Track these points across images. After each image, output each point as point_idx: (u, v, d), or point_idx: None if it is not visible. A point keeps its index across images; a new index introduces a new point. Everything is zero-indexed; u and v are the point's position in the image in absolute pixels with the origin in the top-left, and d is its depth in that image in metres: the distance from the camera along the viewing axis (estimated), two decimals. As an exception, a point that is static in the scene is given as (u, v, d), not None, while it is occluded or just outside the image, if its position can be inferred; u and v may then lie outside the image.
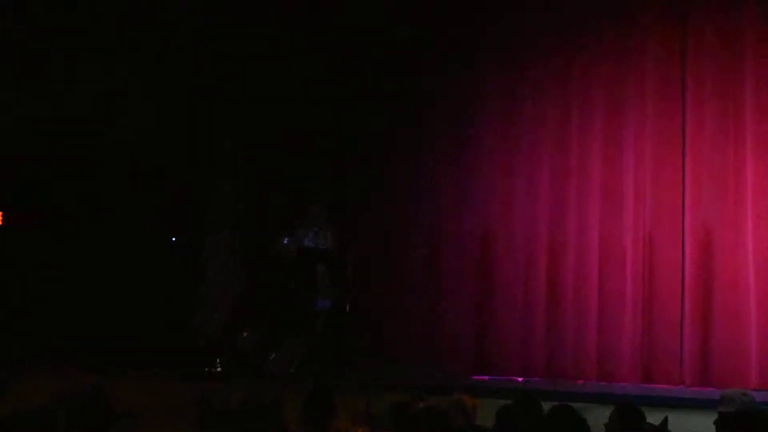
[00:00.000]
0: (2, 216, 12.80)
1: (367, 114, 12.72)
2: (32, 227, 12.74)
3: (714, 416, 6.61)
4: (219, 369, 11.95)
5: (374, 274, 12.64)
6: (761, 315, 11.43)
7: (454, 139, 12.57)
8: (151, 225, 12.51)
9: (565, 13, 12.21)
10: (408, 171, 12.69)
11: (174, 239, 12.69)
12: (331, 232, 12.44)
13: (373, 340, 12.44)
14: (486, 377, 12.01)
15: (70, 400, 5.32)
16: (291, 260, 12.36)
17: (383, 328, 12.49)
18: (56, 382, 8.81)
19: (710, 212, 11.72)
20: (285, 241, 12.37)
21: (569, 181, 12.22)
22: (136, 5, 12.26)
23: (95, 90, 12.40)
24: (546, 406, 6.29)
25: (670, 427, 6.60)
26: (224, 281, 12.30)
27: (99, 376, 8.97)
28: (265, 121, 12.61)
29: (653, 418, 6.57)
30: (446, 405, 6.58)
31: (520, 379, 11.99)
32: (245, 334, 12.27)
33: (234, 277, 12.32)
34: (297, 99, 12.58)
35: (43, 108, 12.25)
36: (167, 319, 12.26)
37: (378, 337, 12.44)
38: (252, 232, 12.48)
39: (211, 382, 11.02)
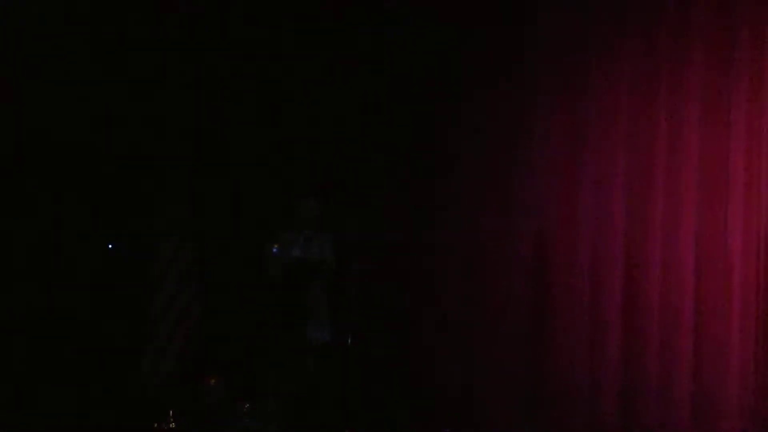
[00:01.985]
0: None
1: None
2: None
3: None
4: (172, 425, 9.82)
5: (388, 297, 10.15)
6: None
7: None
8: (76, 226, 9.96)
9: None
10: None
11: (110, 246, 10.15)
12: (328, 238, 9.78)
13: (385, 387, 10.04)
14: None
15: None
16: (278, 277, 9.71)
17: (399, 372, 10.04)
18: None
19: None
20: (274, 250, 9.75)
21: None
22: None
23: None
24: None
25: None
26: (181, 305, 10.08)
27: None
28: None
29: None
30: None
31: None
32: (212, 381, 9.84)
33: (194, 299, 10.14)
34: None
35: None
36: (102, 357, 10.02)
37: (391, 384, 10.04)
38: (219, 237, 10.18)
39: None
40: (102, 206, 10.10)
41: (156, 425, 9.76)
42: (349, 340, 9.80)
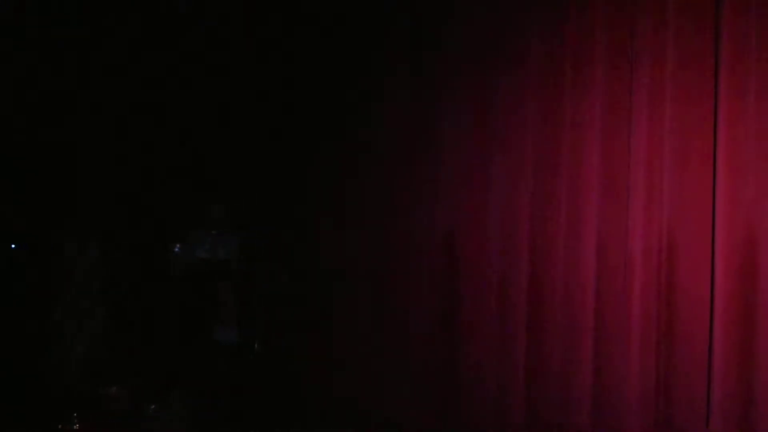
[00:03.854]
0: None
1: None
2: None
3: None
4: (77, 427, 9.37)
5: (296, 297, 9.80)
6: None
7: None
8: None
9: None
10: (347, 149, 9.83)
11: (14, 246, 9.68)
12: (235, 239, 9.62)
13: (292, 389, 9.67)
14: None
15: None
16: (181, 276, 9.53)
17: (307, 374, 9.71)
18: None
19: (754, 206, 9.19)
20: (176, 249, 9.57)
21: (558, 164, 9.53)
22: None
23: None
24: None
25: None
26: (87, 304, 9.70)
27: None
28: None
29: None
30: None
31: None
32: (114, 388, 9.51)
33: (100, 299, 9.73)
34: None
35: None
36: (6, 358, 9.50)
37: (298, 386, 9.67)
38: (124, 237, 9.78)
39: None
40: (5, 204, 9.73)
41: (60, 427, 9.32)
42: (256, 342, 9.57)
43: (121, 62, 9.83)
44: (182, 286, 9.59)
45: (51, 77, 9.79)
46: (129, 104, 9.88)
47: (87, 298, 9.71)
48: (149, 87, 9.83)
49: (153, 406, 9.45)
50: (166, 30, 9.88)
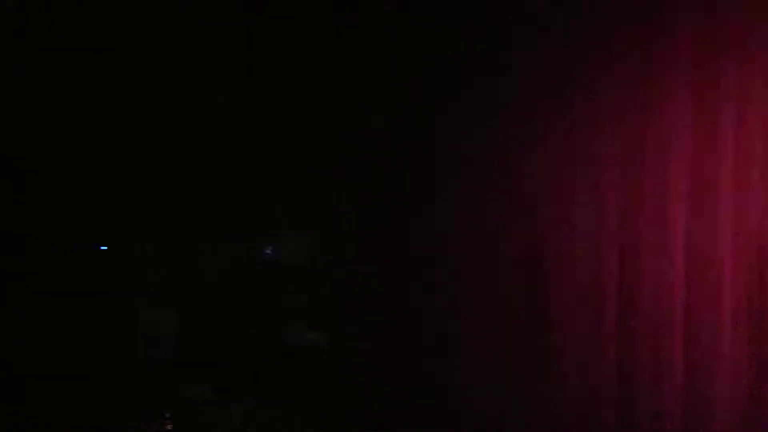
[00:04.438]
0: None
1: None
2: None
3: None
4: (169, 428, 9.37)
5: (378, 298, 9.66)
6: None
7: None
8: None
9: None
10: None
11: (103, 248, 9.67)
12: (305, 238, 9.68)
13: (367, 388, 9.53)
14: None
15: None
16: (262, 275, 9.57)
17: (389, 376, 9.55)
18: None
19: None
20: (268, 251, 9.62)
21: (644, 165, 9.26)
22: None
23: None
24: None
25: None
26: (167, 303, 9.72)
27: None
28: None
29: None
30: None
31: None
32: (198, 388, 9.49)
33: (181, 298, 9.72)
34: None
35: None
36: (91, 359, 9.51)
37: (373, 385, 9.53)
38: (204, 235, 9.77)
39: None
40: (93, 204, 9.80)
41: (147, 427, 9.33)
42: (339, 342, 9.59)
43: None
44: (263, 285, 9.61)
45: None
46: (220, 102, 9.89)
47: (168, 297, 9.72)
48: (236, 85, 9.83)
49: (236, 406, 9.46)
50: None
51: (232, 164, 9.88)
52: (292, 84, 9.82)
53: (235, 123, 9.86)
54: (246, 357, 9.56)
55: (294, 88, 9.82)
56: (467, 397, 9.39)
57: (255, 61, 9.85)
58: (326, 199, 9.81)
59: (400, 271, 9.61)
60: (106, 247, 9.65)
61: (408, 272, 9.58)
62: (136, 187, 9.78)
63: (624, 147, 9.28)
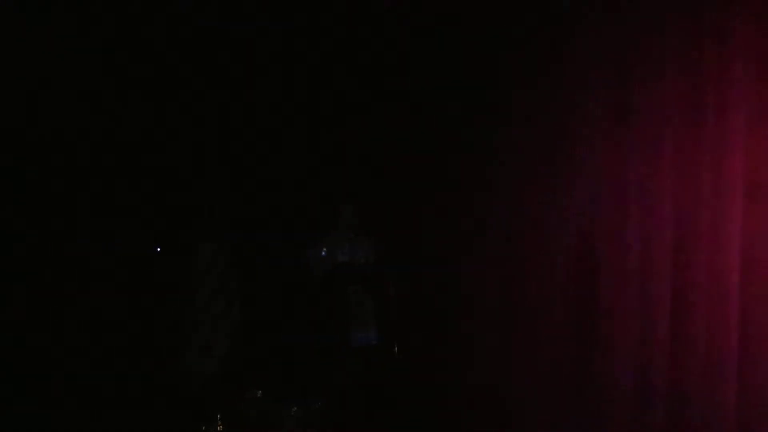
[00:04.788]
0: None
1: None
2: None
3: None
4: (220, 428, 9.21)
5: (429, 300, 9.64)
6: None
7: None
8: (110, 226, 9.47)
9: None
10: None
11: (158, 249, 9.63)
12: (368, 241, 9.58)
13: (426, 389, 9.51)
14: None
15: None
16: (317, 278, 9.46)
17: (441, 377, 9.52)
18: None
19: None
20: (323, 253, 9.55)
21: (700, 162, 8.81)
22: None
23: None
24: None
25: None
26: (222, 306, 9.62)
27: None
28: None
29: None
30: None
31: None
32: (258, 392, 9.32)
33: (235, 300, 9.65)
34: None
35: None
36: (145, 360, 9.51)
37: (432, 387, 9.49)
38: (259, 238, 9.68)
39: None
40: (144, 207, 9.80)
41: (204, 428, 9.25)
42: (392, 344, 9.51)
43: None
44: (318, 288, 9.57)
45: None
46: (264, 106, 9.95)
47: (223, 300, 9.66)
48: (277, 88, 9.87)
49: (293, 408, 9.33)
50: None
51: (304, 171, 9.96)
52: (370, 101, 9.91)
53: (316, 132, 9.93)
54: (310, 359, 9.56)
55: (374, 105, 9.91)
56: (522, 394, 9.30)
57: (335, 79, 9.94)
58: (391, 205, 9.84)
59: (472, 272, 9.54)
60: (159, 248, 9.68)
61: (480, 271, 9.49)
62: (209, 191, 9.89)
63: (679, 145, 9.08)
